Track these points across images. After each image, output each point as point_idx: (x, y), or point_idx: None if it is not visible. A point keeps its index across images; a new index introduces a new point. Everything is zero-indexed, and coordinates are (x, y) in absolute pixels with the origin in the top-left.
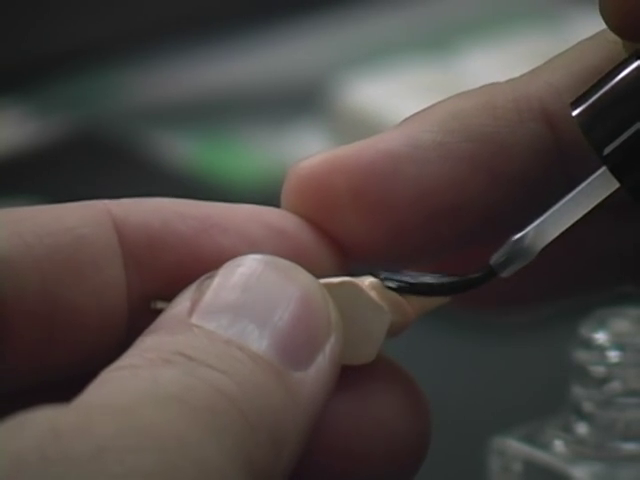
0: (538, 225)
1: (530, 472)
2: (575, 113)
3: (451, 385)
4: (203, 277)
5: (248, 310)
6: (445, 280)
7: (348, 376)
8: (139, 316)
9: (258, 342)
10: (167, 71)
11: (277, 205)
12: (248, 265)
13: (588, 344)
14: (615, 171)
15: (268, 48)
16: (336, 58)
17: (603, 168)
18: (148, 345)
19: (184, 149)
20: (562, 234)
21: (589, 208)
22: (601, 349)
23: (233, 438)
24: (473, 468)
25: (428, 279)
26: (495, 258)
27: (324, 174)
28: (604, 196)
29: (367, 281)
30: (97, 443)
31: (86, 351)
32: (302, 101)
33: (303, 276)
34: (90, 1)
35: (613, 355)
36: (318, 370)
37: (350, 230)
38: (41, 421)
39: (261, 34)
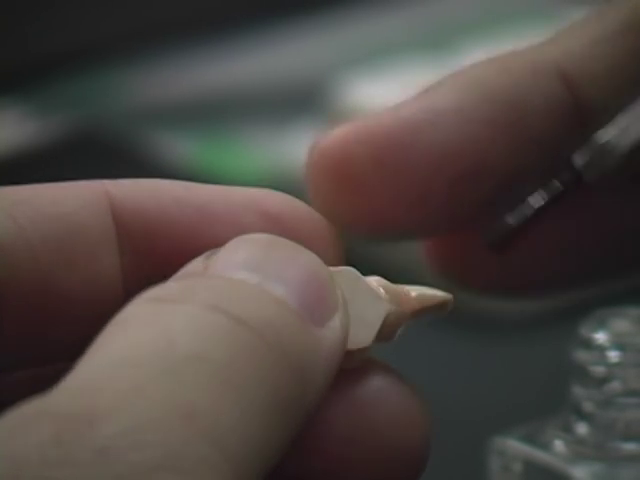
0: (621, 120)
1: (530, 472)
2: None
3: (451, 385)
4: (208, 252)
5: (263, 267)
6: (531, 203)
7: (345, 382)
8: None
9: (280, 289)
10: (167, 71)
11: None
12: (253, 239)
13: (588, 344)
14: None
15: (268, 48)
16: (336, 58)
17: None
18: (166, 286)
19: (184, 149)
20: None
21: None
22: (601, 349)
23: (254, 385)
24: (473, 468)
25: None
26: (578, 159)
27: (345, 146)
28: None
29: (370, 278)
30: (99, 444)
31: (79, 338)
32: (302, 101)
33: (308, 254)
34: (90, 1)
35: (613, 355)
36: (332, 332)
37: (374, 199)
38: (42, 422)
39: (261, 34)
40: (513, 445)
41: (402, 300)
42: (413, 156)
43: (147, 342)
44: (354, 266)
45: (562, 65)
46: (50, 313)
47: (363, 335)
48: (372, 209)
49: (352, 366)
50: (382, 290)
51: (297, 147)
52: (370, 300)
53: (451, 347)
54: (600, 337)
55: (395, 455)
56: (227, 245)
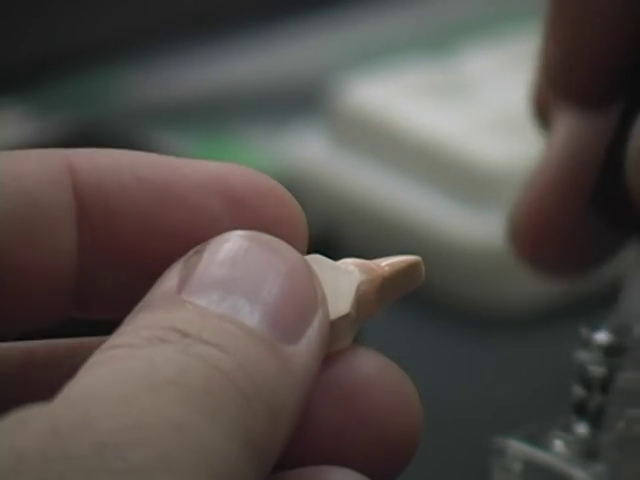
0: None
1: (530, 472)
2: None
3: (451, 385)
4: (190, 252)
5: (237, 285)
6: None
7: (332, 370)
8: (87, 281)
9: (250, 317)
10: (167, 71)
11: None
12: (234, 241)
13: (589, 344)
14: None
15: (268, 48)
16: (336, 58)
17: None
18: (143, 322)
19: (184, 149)
20: None
21: None
22: (602, 349)
23: (230, 416)
24: (473, 468)
25: None
26: None
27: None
28: None
29: (341, 261)
30: (97, 440)
31: (31, 314)
32: (302, 101)
33: (288, 252)
34: (90, 1)
35: (614, 356)
36: (309, 343)
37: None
38: (41, 419)
39: (261, 34)
40: (513, 445)
41: (372, 269)
42: None
43: (131, 369)
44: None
45: None
46: (4, 288)
47: (341, 305)
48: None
49: (340, 345)
50: (351, 266)
51: (297, 147)
52: (340, 275)
53: (451, 347)
54: (601, 337)
55: (387, 441)
56: (205, 252)
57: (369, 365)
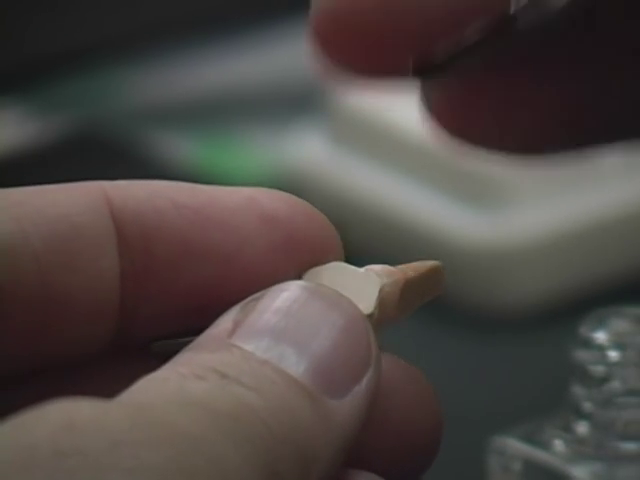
0: None
1: (530, 472)
2: None
3: (451, 385)
4: (248, 299)
5: (288, 335)
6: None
7: None
8: (129, 305)
9: (295, 367)
10: (167, 71)
11: None
12: (292, 290)
13: (588, 343)
14: None
15: (268, 48)
16: None
17: None
18: (183, 360)
19: (184, 149)
20: None
21: None
22: (601, 348)
23: (254, 446)
24: (473, 468)
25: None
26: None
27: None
28: None
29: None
30: (111, 437)
31: (77, 340)
32: (302, 101)
33: (348, 306)
34: (90, 1)
35: (613, 355)
36: (353, 400)
37: (380, 45)
38: (55, 414)
39: (260, 34)
40: (513, 445)
41: (395, 272)
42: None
43: (160, 390)
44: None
45: None
46: (50, 315)
47: (364, 306)
48: (378, 54)
49: None
50: (374, 271)
51: (297, 147)
52: (363, 279)
53: (450, 347)
54: (600, 337)
55: (408, 445)
56: (262, 300)
57: (391, 370)
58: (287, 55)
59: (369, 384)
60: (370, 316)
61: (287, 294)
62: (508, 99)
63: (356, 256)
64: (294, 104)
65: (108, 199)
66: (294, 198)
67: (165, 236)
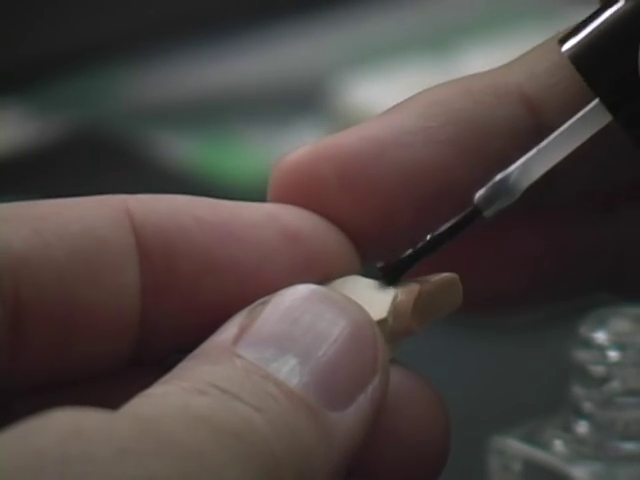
0: (524, 163)
1: (530, 472)
2: (565, 48)
3: (451, 385)
4: (256, 302)
5: (294, 343)
6: (431, 235)
7: None
8: (150, 319)
9: (297, 378)
10: (167, 71)
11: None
12: (300, 295)
13: (588, 343)
14: (608, 103)
15: (268, 48)
16: (336, 58)
17: (596, 101)
18: (185, 373)
19: (184, 149)
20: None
21: (576, 145)
22: (601, 348)
23: (257, 466)
24: (473, 468)
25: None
26: (479, 196)
27: (311, 163)
28: (593, 131)
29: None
30: (119, 445)
31: (99, 353)
32: (302, 101)
33: (356, 311)
34: (90, 1)
35: (613, 355)
36: (357, 410)
37: (341, 217)
38: (64, 420)
39: (261, 34)
40: (513, 444)
41: (409, 283)
42: (378, 174)
43: (165, 405)
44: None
45: (524, 88)
46: (71, 328)
47: (377, 311)
48: (338, 227)
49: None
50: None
51: (297, 147)
52: (376, 288)
53: (450, 347)
54: (600, 336)
55: (417, 456)
56: (269, 304)
57: (402, 381)
58: (287, 55)
59: (374, 392)
60: (383, 323)
61: (295, 298)
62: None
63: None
64: (294, 104)
65: (130, 214)
66: (313, 215)
67: (187, 252)
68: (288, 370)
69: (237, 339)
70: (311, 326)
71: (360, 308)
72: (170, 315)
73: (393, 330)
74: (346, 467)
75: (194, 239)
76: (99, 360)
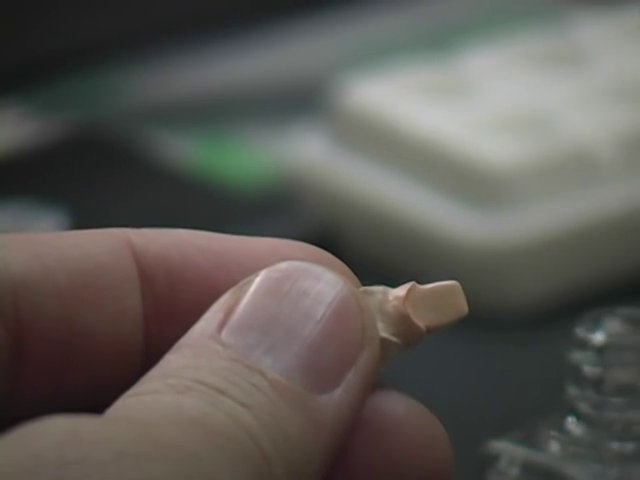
0: None
1: (526, 473)
2: None
3: (446, 387)
4: (241, 282)
5: (278, 325)
6: None
7: (362, 411)
8: (154, 348)
9: (283, 363)
10: (167, 71)
11: (276, 206)
12: (284, 271)
13: (583, 344)
14: None
15: (268, 48)
16: (336, 58)
17: None
18: (170, 369)
19: (184, 149)
20: None
21: None
22: (596, 349)
23: (248, 465)
24: (470, 470)
25: None
26: None
27: None
28: None
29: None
30: (117, 448)
31: (100, 379)
32: (302, 101)
33: (339, 284)
34: (90, 1)
35: (609, 356)
36: (347, 388)
37: None
38: (61, 425)
39: (261, 34)
40: (509, 446)
41: (402, 289)
42: None
43: (157, 407)
44: None
45: None
46: (73, 352)
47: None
48: None
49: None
50: (380, 288)
51: (297, 147)
52: (367, 295)
53: (446, 349)
54: (595, 337)
55: None
56: (253, 284)
57: (398, 406)
58: (287, 55)
59: (364, 368)
60: (371, 294)
61: (279, 276)
62: None
63: (356, 256)
64: (294, 104)
65: (131, 242)
66: (317, 249)
67: (190, 279)
68: (273, 356)
69: (222, 325)
70: (296, 304)
71: (343, 280)
72: (174, 342)
73: (398, 332)
74: (337, 449)
75: (197, 267)
76: (101, 383)
